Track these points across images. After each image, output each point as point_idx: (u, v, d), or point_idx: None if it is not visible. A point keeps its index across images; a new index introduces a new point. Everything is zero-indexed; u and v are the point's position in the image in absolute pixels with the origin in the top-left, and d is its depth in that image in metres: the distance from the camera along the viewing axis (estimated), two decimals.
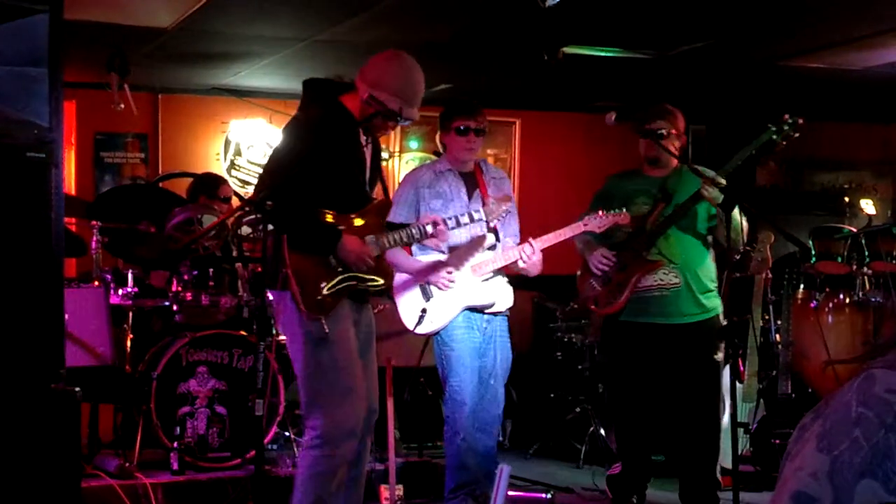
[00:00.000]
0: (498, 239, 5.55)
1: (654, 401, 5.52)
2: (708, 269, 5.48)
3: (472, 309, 5.51)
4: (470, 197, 5.58)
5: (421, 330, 5.52)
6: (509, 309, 5.67)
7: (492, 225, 5.46)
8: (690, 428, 5.44)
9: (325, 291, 4.41)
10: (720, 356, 5.41)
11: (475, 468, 5.54)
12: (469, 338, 5.52)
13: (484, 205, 5.36)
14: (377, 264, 4.61)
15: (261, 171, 7.78)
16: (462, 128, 5.56)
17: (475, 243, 5.52)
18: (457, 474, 5.56)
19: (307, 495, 4.48)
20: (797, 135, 5.15)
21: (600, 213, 5.36)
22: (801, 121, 5.12)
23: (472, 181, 5.61)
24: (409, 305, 5.56)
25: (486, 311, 5.54)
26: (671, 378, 5.45)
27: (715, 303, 5.47)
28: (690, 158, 5.52)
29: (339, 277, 4.47)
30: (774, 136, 5.14)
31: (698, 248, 5.46)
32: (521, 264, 5.45)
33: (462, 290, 5.47)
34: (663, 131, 5.43)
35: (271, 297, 4.65)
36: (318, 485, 4.46)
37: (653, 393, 5.51)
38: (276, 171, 4.37)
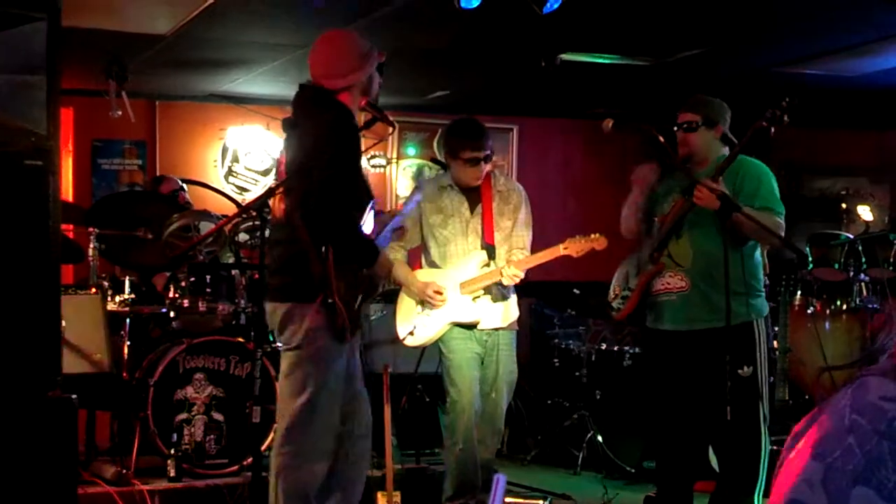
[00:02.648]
0: (492, 256, 5.55)
1: (687, 414, 5.07)
2: (731, 271, 4.81)
3: (459, 325, 5.54)
4: (472, 212, 5.59)
5: (409, 342, 5.63)
6: (514, 323, 5.68)
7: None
8: (723, 449, 5.08)
9: (355, 308, 4.43)
10: (747, 370, 4.83)
11: (473, 478, 5.55)
12: (467, 348, 5.54)
13: (486, 221, 5.46)
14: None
15: (261, 176, 7.77)
16: (471, 159, 5.50)
17: (466, 261, 5.55)
18: (454, 483, 5.58)
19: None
20: (787, 119, 4.82)
21: (577, 236, 5.37)
22: (795, 101, 4.83)
23: (476, 196, 5.60)
24: (404, 317, 5.66)
25: (479, 328, 5.55)
26: (694, 390, 5.02)
27: (741, 309, 4.86)
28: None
29: (361, 293, 4.48)
30: (765, 123, 4.83)
31: (716, 249, 4.86)
32: (505, 282, 5.48)
33: (449, 306, 5.53)
34: (691, 123, 5.06)
35: (268, 309, 4.56)
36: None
37: (684, 406, 5.07)
38: (321, 180, 4.28)
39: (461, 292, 5.51)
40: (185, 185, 7.33)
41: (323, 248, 4.25)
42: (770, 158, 5.19)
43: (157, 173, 8.49)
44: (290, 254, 4.44)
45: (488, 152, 5.53)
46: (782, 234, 4.95)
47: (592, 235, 5.42)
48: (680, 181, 5.13)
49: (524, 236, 5.65)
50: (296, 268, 4.38)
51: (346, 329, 4.35)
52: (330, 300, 4.28)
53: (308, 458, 4.40)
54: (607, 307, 5.45)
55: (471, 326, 5.54)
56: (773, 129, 4.87)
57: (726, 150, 5.08)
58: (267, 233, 4.70)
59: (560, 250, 5.39)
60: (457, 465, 5.55)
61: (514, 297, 5.69)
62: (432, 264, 5.67)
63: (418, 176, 9.23)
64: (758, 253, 5.14)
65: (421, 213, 5.64)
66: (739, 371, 4.82)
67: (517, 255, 5.56)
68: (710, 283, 4.92)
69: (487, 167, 5.56)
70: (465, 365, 5.53)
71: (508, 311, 5.63)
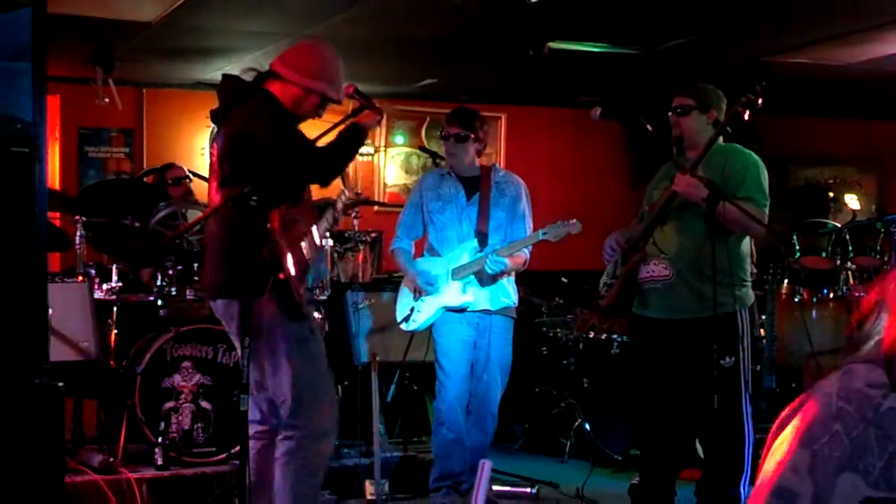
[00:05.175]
0: (483, 244, 5.60)
1: (669, 402, 5.08)
2: (717, 261, 4.79)
3: (450, 309, 5.61)
4: (468, 199, 5.66)
5: (406, 327, 5.72)
6: (510, 309, 5.70)
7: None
8: (707, 438, 5.12)
9: (307, 286, 4.40)
10: (729, 360, 4.82)
11: (460, 459, 5.61)
12: (458, 331, 5.61)
13: (480, 210, 5.59)
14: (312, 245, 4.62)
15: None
16: (444, 136, 5.69)
17: (460, 249, 5.63)
18: (441, 464, 5.65)
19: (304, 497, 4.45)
20: (760, 101, 4.80)
21: (558, 222, 5.40)
22: (769, 85, 4.81)
23: (475, 185, 5.67)
24: (403, 301, 5.76)
25: (471, 310, 5.60)
26: (676, 379, 5.03)
27: (725, 299, 4.81)
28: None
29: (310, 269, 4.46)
30: (740, 108, 4.83)
31: (700, 238, 4.87)
32: (487, 270, 5.49)
33: (442, 291, 5.62)
34: (684, 107, 5.04)
35: (220, 306, 4.48)
36: (311, 487, 4.47)
37: (667, 394, 5.08)
38: (263, 149, 4.25)
39: (452, 278, 5.58)
40: (191, 175, 7.24)
41: (268, 226, 4.19)
42: (757, 148, 5.17)
43: (144, 161, 8.48)
44: (230, 246, 4.37)
45: (459, 132, 5.61)
46: (763, 224, 4.93)
47: (570, 221, 5.44)
48: (672, 171, 5.13)
49: (522, 228, 5.70)
50: (239, 260, 4.30)
51: (302, 304, 4.31)
52: (282, 276, 4.20)
53: (315, 439, 4.41)
54: (599, 295, 5.45)
55: (461, 310, 5.60)
56: (747, 114, 4.87)
57: (720, 139, 5.06)
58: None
59: (539, 236, 5.44)
60: (443, 446, 5.63)
61: (510, 285, 5.70)
62: (430, 249, 5.75)
63: (406, 164, 9.23)
64: (744, 243, 5.10)
65: (422, 202, 5.73)
66: (721, 361, 4.81)
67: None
68: (694, 271, 4.92)
69: (461, 148, 5.61)
70: (452, 349, 5.60)
71: (501, 296, 5.65)
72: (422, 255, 5.82)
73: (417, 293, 5.67)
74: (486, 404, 5.67)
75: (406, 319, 5.68)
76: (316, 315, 5.44)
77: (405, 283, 5.79)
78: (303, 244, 4.43)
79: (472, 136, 5.62)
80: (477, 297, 5.61)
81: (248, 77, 4.54)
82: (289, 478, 4.40)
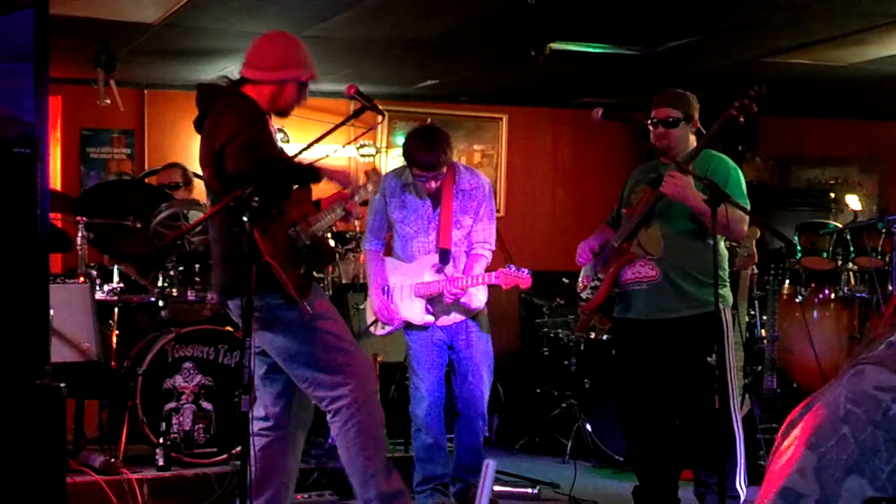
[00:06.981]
0: (445, 261, 5.53)
1: (657, 403, 5.15)
2: (700, 261, 4.97)
3: (412, 325, 5.58)
4: (435, 208, 5.57)
5: (373, 331, 5.72)
6: (482, 310, 5.65)
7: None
8: (690, 433, 5.13)
9: (301, 272, 4.39)
10: (713, 358, 4.84)
11: (442, 462, 5.63)
12: (429, 335, 5.58)
13: (442, 225, 5.49)
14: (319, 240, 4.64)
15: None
16: (419, 176, 5.47)
17: (421, 263, 5.56)
18: (423, 468, 5.66)
19: (371, 466, 4.48)
20: (755, 108, 4.85)
21: (511, 267, 5.34)
22: (763, 90, 4.84)
23: (439, 194, 5.55)
24: (371, 308, 5.73)
25: (439, 325, 5.56)
26: (664, 379, 5.10)
27: (711, 298, 4.76)
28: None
29: (308, 258, 4.45)
30: (734, 112, 4.86)
31: (685, 239, 5.03)
32: (446, 300, 5.47)
33: (403, 307, 5.58)
34: (672, 119, 5.07)
35: (233, 307, 4.52)
36: (377, 449, 4.51)
37: (653, 394, 5.13)
38: (232, 147, 4.29)
39: (414, 294, 5.54)
40: (181, 182, 7.18)
41: (244, 219, 4.16)
42: (759, 148, 5.18)
43: (146, 162, 8.46)
44: (222, 247, 4.44)
45: (435, 174, 5.43)
46: (746, 228, 5.05)
47: (523, 273, 5.35)
48: (647, 173, 5.18)
49: (486, 230, 5.63)
50: (231, 259, 4.36)
51: (289, 288, 4.29)
52: (263, 261, 4.19)
53: (360, 404, 4.43)
54: (577, 298, 5.50)
55: (423, 328, 5.57)
56: (741, 119, 4.90)
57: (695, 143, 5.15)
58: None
59: (492, 278, 5.38)
60: (423, 451, 5.64)
61: (478, 290, 5.58)
62: (397, 256, 5.68)
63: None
64: (723, 244, 5.18)
65: (386, 206, 5.63)
66: (708, 358, 4.87)
67: (479, 249, 5.58)
68: (680, 271, 5.03)
69: (436, 183, 5.49)
70: (424, 354, 5.58)
71: (468, 305, 5.58)
72: (389, 256, 5.72)
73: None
74: (474, 405, 5.63)
75: (373, 324, 5.66)
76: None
77: (374, 287, 5.71)
78: (293, 230, 4.42)
79: (444, 168, 5.46)
80: (442, 314, 5.55)
81: (223, 83, 4.61)
82: (352, 448, 4.46)
